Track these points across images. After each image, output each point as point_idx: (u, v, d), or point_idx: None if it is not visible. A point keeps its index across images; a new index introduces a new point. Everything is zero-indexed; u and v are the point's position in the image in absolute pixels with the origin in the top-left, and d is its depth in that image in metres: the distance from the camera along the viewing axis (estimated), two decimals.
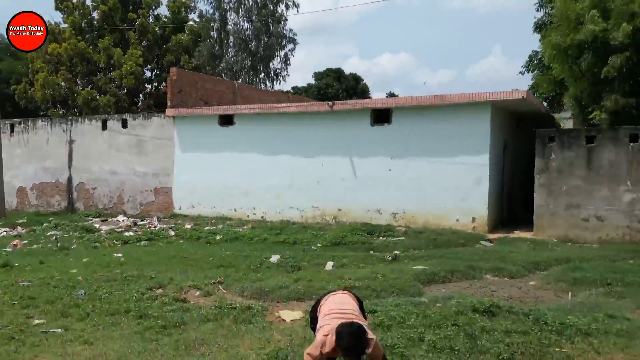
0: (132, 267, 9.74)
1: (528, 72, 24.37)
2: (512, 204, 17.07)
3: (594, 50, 15.25)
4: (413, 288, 7.93)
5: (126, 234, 14.62)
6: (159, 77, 33.25)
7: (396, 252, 10.77)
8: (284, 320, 6.64)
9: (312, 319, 4.52)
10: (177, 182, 18.47)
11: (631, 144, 12.73)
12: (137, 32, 29.10)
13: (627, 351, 5.34)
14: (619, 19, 14.58)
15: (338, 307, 4.19)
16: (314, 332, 4.42)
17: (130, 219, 17.65)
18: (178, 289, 7.95)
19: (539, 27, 23.65)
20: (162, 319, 6.51)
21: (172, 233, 14.58)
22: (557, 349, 5.34)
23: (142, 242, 13.39)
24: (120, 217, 18.22)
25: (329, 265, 9.84)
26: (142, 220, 17.41)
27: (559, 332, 5.75)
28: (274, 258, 10.46)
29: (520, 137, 17.66)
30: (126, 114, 20.25)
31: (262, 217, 16.89)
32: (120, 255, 11.29)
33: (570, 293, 8.04)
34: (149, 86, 33.66)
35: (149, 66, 32.24)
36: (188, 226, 15.77)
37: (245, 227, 15.49)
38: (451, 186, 14.30)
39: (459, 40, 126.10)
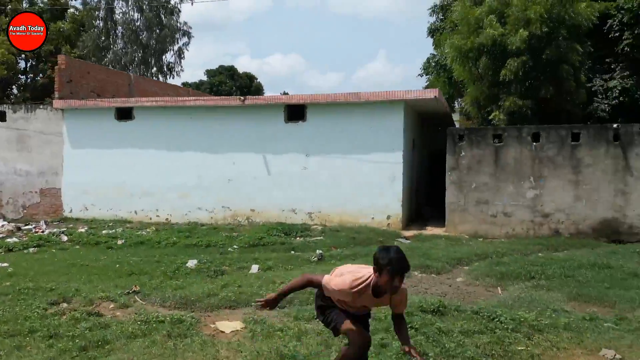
0: (25, 279, 8.54)
1: (425, 75, 25.18)
2: (419, 201, 17.47)
3: (492, 54, 16.02)
4: None
5: (9, 240, 12.84)
6: (35, 68, 30.52)
7: (319, 251, 10.41)
8: (222, 332, 5.99)
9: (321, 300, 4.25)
10: (67, 181, 16.69)
11: (534, 142, 13.41)
12: (8, 17, 26.30)
13: (583, 345, 5.37)
14: (515, 25, 15.41)
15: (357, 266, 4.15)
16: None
17: (12, 224, 15.62)
18: (87, 302, 7.01)
19: (432, 31, 24.53)
20: (79, 339, 5.58)
21: (65, 238, 13.08)
22: (520, 348, 5.24)
23: (31, 249, 11.85)
24: (0, 222, 16.08)
25: (254, 268, 9.27)
26: (27, 225, 15.48)
27: (515, 330, 5.68)
28: (191, 263, 9.67)
29: (423, 137, 18.12)
30: (5, 106, 17.97)
31: (166, 219, 15.74)
32: (6, 265, 9.88)
33: (499, 288, 8.15)
34: (24, 77, 30.97)
35: (23, 55, 29.40)
36: (82, 230, 14.27)
37: (148, 230, 14.32)
38: (366, 184, 14.24)
39: (346, 44, 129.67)
